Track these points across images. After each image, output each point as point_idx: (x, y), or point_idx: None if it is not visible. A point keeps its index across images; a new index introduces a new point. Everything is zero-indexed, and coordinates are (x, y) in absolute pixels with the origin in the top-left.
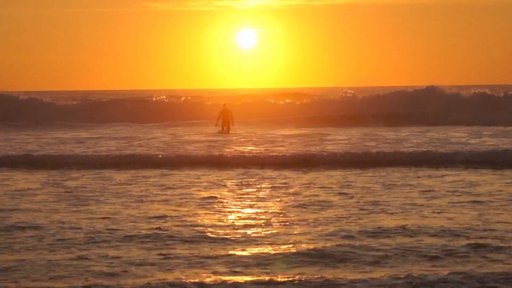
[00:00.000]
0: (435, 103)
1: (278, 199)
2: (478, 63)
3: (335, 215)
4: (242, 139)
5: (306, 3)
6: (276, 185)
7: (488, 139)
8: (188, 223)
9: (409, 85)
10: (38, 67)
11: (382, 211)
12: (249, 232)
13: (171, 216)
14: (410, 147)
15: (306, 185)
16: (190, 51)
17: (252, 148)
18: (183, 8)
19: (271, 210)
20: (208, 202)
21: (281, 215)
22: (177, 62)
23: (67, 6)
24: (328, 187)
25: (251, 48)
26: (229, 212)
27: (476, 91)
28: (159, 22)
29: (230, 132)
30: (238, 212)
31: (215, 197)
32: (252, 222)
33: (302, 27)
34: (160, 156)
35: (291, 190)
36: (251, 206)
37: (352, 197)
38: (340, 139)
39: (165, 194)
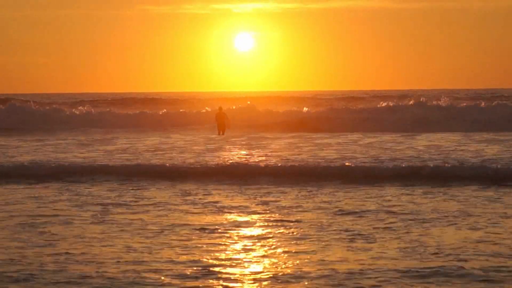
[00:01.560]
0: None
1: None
2: (478, 68)
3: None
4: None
5: (302, 6)
6: (312, 198)
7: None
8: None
9: (407, 88)
10: (36, 69)
11: None
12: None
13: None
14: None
15: (332, 198)
16: (187, 54)
17: (262, 156)
18: (180, 11)
19: (326, 228)
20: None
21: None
22: (173, 65)
23: (65, 7)
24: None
25: (248, 51)
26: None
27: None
28: (156, 25)
29: (225, 135)
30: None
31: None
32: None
33: (298, 30)
34: (168, 165)
35: (329, 206)
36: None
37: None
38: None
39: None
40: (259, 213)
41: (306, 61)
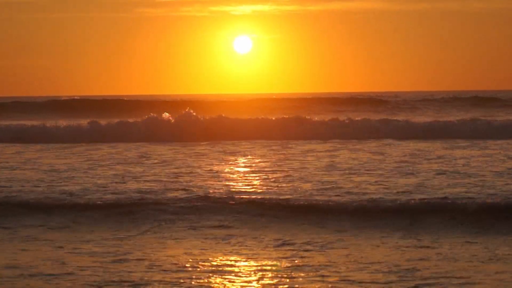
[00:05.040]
0: None
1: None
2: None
3: None
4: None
5: (301, 8)
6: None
7: None
8: None
9: (407, 90)
10: (34, 72)
11: None
12: None
13: None
14: None
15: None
16: (185, 56)
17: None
18: (178, 13)
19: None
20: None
21: None
22: (172, 67)
23: (62, 11)
24: None
25: (247, 53)
26: None
27: None
28: (154, 28)
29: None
30: None
31: None
32: None
33: (298, 32)
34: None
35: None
36: None
37: None
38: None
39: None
40: None
41: (306, 63)
